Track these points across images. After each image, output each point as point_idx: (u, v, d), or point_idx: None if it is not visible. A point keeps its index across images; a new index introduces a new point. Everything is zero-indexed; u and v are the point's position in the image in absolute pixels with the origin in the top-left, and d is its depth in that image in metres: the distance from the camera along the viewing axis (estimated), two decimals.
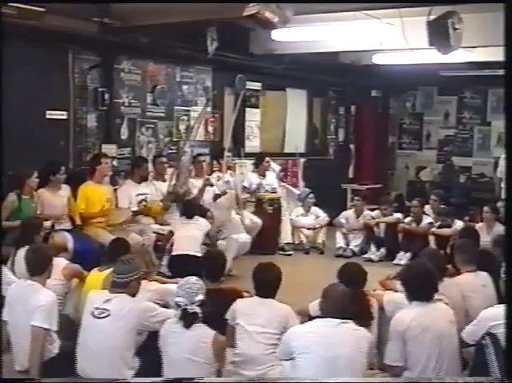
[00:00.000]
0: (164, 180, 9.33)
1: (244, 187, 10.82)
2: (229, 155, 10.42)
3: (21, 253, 6.13)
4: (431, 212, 10.71)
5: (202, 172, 10.07)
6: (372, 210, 11.13)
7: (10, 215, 7.33)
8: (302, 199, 11.38)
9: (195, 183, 9.75)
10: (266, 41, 9.98)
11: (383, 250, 10.46)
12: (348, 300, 4.59)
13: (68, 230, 7.80)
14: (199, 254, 7.61)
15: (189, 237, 8.18)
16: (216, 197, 9.83)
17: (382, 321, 5.38)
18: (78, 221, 8.15)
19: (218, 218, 9.19)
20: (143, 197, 8.89)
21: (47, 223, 7.49)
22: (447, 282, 5.64)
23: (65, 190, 8.12)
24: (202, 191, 9.60)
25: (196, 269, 5.71)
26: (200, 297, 4.69)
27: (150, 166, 9.42)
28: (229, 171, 10.53)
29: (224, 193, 9.94)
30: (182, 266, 7.49)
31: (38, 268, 5.39)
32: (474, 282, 5.81)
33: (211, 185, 9.78)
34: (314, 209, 11.22)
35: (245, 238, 9.28)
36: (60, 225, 7.79)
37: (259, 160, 11.04)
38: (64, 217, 7.99)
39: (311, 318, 5.03)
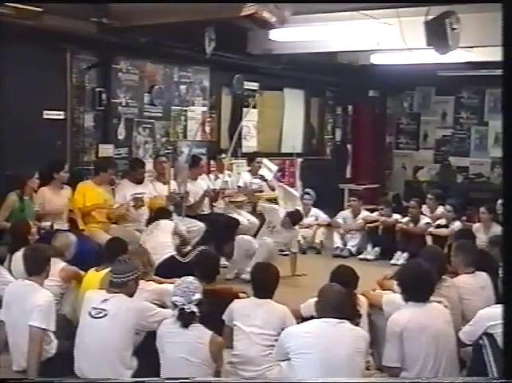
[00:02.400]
0: (165, 182, 9.31)
1: (239, 187, 10.84)
2: (223, 156, 10.40)
3: (19, 253, 6.14)
4: (428, 212, 10.72)
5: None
6: (371, 210, 11.13)
7: (11, 216, 7.33)
8: (300, 198, 11.43)
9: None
10: (264, 41, 9.97)
11: (377, 249, 10.47)
12: (344, 300, 4.59)
13: (64, 230, 7.79)
14: None
15: None
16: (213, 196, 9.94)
17: (376, 321, 5.39)
18: (81, 225, 8.14)
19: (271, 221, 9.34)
20: (140, 196, 8.86)
21: (46, 223, 7.50)
22: (448, 282, 5.65)
23: (67, 190, 8.12)
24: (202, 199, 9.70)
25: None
26: (197, 296, 4.70)
27: (147, 167, 9.36)
28: (227, 172, 10.55)
29: (222, 191, 10.06)
30: None
31: (36, 268, 5.39)
32: (472, 284, 5.81)
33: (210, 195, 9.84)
34: (314, 211, 11.23)
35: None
36: (58, 225, 7.78)
37: (251, 160, 11.10)
38: (63, 216, 8.00)
39: (304, 319, 5.04)
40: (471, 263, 5.96)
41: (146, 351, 4.92)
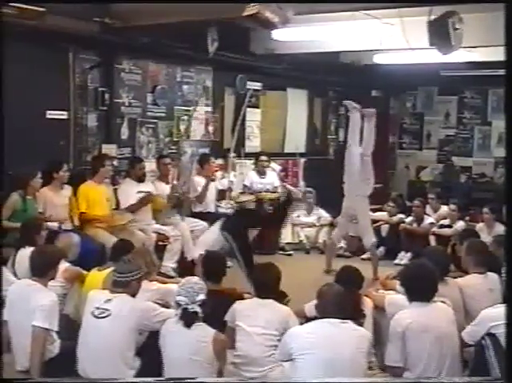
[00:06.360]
0: (167, 182, 9.31)
1: (244, 186, 10.87)
2: (232, 155, 10.43)
3: (22, 253, 6.15)
4: (431, 212, 10.73)
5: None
6: (373, 210, 11.12)
7: (13, 215, 7.34)
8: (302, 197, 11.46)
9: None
10: (267, 40, 9.98)
11: (381, 249, 10.47)
12: (344, 299, 4.60)
13: (69, 231, 7.79)
14: None
15: None
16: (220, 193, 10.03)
17: (379, 321, 5.38)
18: (77, 222, 8.14)
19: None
20: (143, 195, 8.86)
21: (54, 224, 7.49)
22: (450, 282, 5.64)
23: (67, 190, 8.12)
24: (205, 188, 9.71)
25: None
26: (201, 297, 4.70)
27: (147, 165, 9.31)
28: (232, 172, 10.57)
29: (229, 189, 10.16)
30: None
31: (42, 270, 5.40)
32: (481, 285, 5.77)
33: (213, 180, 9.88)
34: (317, 210, 11.23)
35: None
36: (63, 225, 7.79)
37: (256, 159, 11.16)
38: (65, 215, 8.00)
39: (308, 319, 5.04)
40: (483, 264, 5.91)
41: (149, 351, 4.92)
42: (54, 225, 7.48)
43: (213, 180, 9.82)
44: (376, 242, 9.23)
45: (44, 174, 7.79)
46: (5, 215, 7.28)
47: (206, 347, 4.62)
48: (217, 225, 7.81)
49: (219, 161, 10.70)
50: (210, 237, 7.82)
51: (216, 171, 10.41)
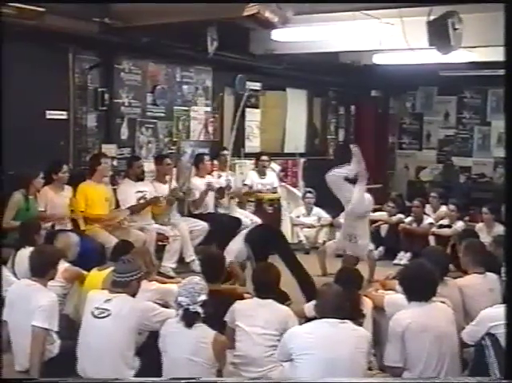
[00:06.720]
0: (166, 182, 9.29)
1: (244, 185, 10.86)
2: (225, 153, 10.41)
3: (22, 253, 6.15)
4: (431, 212, 10.73)
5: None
6: (373, 210, 11.12)
7: (17, 215, 7.34)
8: (302, 197, 11.45)
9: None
10: (266, 41, 9.98)
11: (380, 248, 10.47)
12: (343, 299, 4.60)
13: (68, 231, 7.79)
14: None
15: None
16: (219, 191, 9.99)
17: (379, 321, 5.38)
18: (83, 226, 8.14)
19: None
20: (142, 194, 8.86)
21: (47, 224, 7.49)
22: (449, 283, 5.64)
23: (68, 191, 8.12)
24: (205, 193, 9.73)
25: None
26: (203, 297, 4.69)
27: (147, 166, 9.31)
28: (229, 171, 10.56)
29: (228, 188, 10.11)
30: None
31: (41, 270, 5.39)
32: (481, 284, 5.77)
33: (212, 189, 9.85)
34: (317, 210, 11.22)
35: None
36: (60, 225, 7.78)
37: (257, 159, 11.17)
38: (66, 218, 7.99)
39: (307, 320, 5.05)
40: (481, 263, 5.91)
41: (148, 351, 4.92)
42: (47, 225, 7.47)
43: (212, 190, 9.80)
44: (372, 250, 9.15)
45: (45, 174, 7.80)
46: (10, 216, 7.29)
47: (206, 348, 4.61)
48: (242, 235, 7.82)
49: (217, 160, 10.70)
50: (237, 246, 7.80)
51: (213, 170, 10.42)
